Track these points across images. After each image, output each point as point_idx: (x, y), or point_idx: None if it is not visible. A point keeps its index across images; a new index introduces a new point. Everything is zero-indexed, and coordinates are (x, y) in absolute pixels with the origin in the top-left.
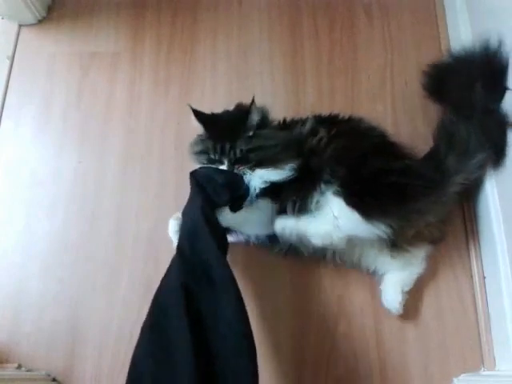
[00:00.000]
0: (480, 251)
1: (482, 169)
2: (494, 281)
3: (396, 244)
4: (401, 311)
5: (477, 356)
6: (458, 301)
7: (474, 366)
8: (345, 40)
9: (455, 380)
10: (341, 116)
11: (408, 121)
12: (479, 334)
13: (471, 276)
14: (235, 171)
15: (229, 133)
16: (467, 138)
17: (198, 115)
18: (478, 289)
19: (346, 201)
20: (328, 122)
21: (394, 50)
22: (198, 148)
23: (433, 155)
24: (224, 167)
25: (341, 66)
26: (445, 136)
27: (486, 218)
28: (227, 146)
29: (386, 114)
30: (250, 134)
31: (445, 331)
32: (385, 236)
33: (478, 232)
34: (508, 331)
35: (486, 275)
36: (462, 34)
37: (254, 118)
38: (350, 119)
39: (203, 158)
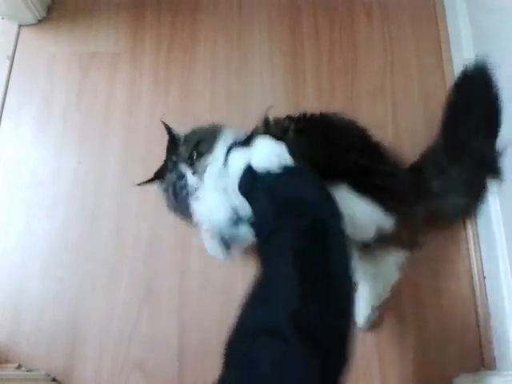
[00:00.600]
0: (480, 251)
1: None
2: (494, 281)
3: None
4: (366, 327)
5: (477, 356)
6: (458, 301)
7: (474, 366)
8: (345, 40)
9: (455, 380)
10: (311, 113)
11: (408, 121)
12: (479, 334)
13: (471, 276)
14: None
15: (170, 152)
16: (455, 179)
17: (157, 175)
18: (478, 289)
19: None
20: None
21: (393, 50)
22: (169, 192)
23: (418, 173)
24: (189, 174)
25: (341, 65)
26: (432, 163)
27: (486, 218)
28: (174, 157)
29: (385, 113)
30: (182, 138)
31: (445, 331)
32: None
33: (477, 232)
34: (508, 331)
35: (485, 275)
36: (462, 33)
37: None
38: (324, 115)
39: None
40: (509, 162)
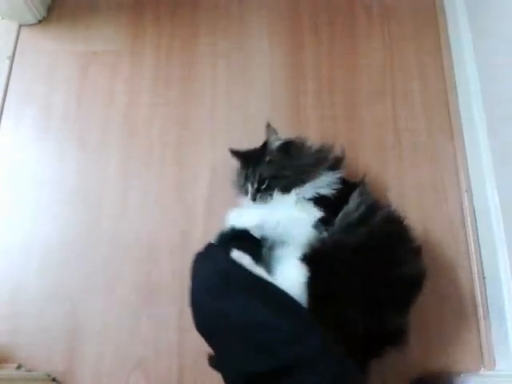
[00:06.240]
0: (480, 251)
1: None
2: (494, 281)
3: None
4: None
5: (477, 356)
6: (458, 301)
7: (474, 366)
8: (345, 39)
9: (455, 380)
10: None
11: (408, 120)
12: (479, 334)
13: (471, 276)
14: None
15: (253, 159)
16: None
17: (234, 153)
18: (478, 289)
19: None
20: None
21: (393, 50)
22: (235, 179)
23: None
24: (249, 195)
25: (341, 65)
26: None
27: (486, 218)
28: (250, 171)
29: (385, 113)
30: (267, 158)
31: (445, 331)
32: None
33: (477, 232)
34: (508, 331)
35: (485, 275)
36: (462, 33)
37: (273, 143)
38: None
39: (238, 189)
40: (508, 161)
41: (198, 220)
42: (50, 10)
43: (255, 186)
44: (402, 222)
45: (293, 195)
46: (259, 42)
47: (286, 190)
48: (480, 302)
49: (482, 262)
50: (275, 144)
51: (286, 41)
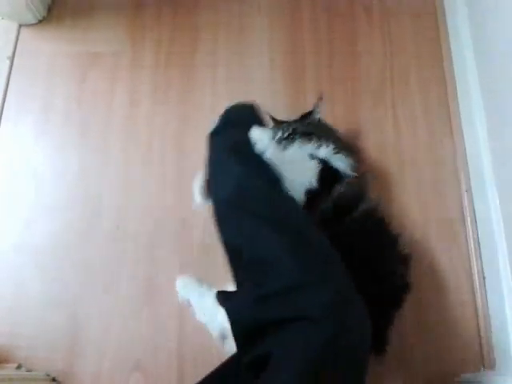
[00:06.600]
0: (480, 251)
1: None
2: (494, 281)
3: None
4: None
5: (477, 356)
6: (458, 301)
7: (474, 366)
8: (345, 40)
9: (455, 380)
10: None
11: (408, 121)
12: (479, 334)
13: (471, 276)
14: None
15: (291, 121)
16: None
17: (273, 119)
18: (478, 289)
19: None
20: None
21: (393, 50)
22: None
23: None
24: (275, 138)
25: (340, 66)
26: None
27: (486, 218)
28: (286, 125)
29: (386, 114)
30: (308, 121)
31: (445, 331)
32: None
33: (477, 232)
34: (508, 331)
35: (485, 275)
36: (462, 33)
37: (316, 113)
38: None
39: None
40: (508, 162)
41: (199, 220)
42: (49, 10)
43: (285, 134)
44: (384, 221)
45: (309, 148)
46: (259, 42)
47: (308, 141)
48: (480, 301)
49: (482, 262)
50: (319, 115)
51: (286, 41)
